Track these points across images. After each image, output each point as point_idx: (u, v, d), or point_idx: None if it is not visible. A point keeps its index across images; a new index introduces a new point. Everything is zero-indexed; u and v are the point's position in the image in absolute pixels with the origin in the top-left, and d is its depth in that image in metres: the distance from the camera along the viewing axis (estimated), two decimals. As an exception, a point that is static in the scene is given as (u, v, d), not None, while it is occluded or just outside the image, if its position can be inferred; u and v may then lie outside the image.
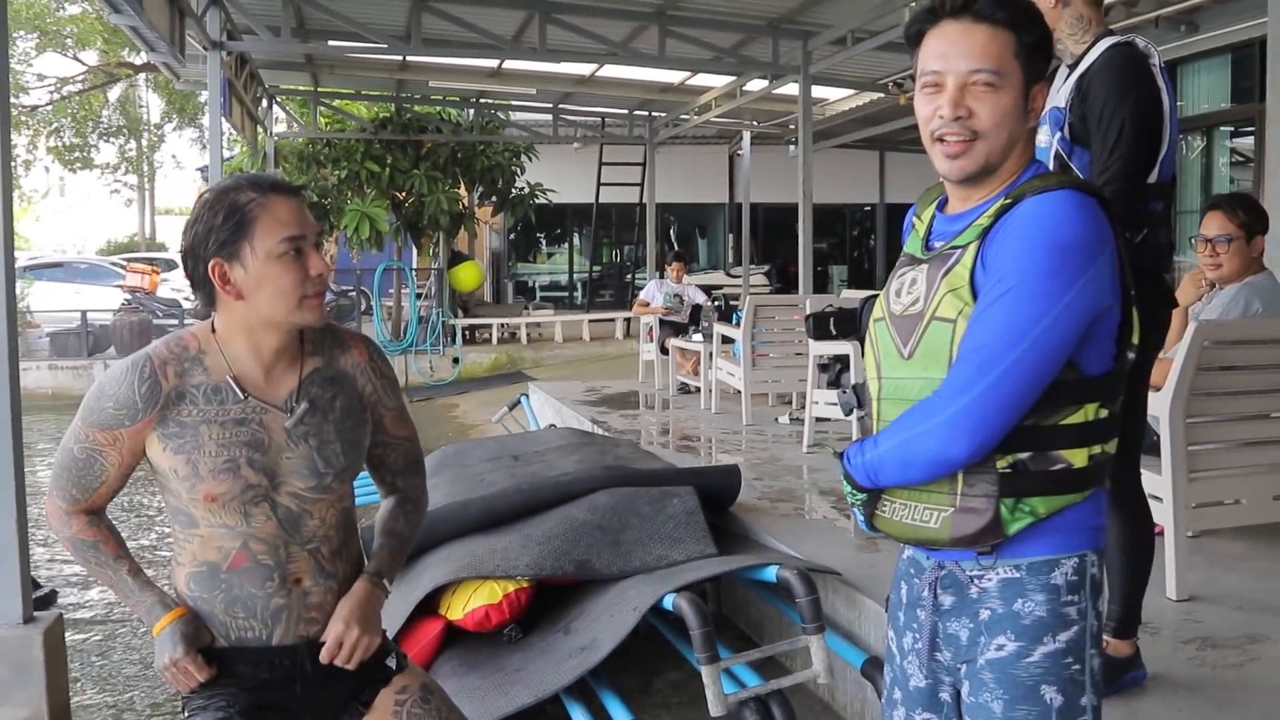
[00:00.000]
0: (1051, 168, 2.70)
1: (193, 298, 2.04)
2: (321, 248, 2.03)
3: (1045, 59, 1.65)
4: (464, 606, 3.90)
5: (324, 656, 2.06)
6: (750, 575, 3.77)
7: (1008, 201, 1.59)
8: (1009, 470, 1.55)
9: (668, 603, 3.48)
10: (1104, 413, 1.58)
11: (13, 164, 4.19)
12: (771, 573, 3.59)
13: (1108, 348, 1.58)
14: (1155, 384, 3.18)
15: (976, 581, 1.62)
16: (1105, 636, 2.89)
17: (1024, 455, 1.55)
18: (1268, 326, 3.67)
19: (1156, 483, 3.46)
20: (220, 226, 1.92)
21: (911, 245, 1.73)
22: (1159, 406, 3.43)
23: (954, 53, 1.60)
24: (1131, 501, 2.93)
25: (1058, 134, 2.73)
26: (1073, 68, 2.78)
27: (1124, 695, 2.85)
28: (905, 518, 1.64)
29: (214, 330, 2.03)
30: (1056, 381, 1.54)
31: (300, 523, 2.05)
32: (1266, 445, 3.73)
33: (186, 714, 2.08)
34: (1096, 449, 1.58)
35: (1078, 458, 1.56)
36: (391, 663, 2.20)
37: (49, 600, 5.49)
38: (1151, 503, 3.23)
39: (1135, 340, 1.63)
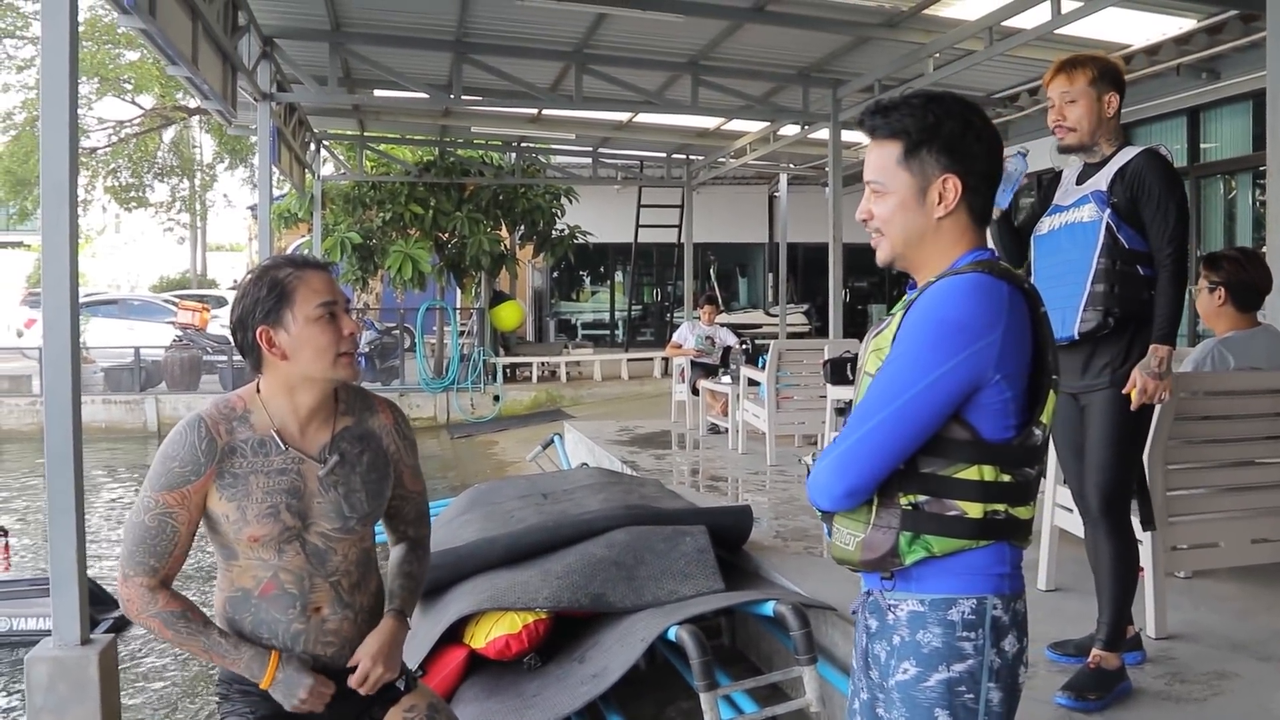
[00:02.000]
0: (1102, 238, 3.26)
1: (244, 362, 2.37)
2: (352, 314, 2.33)
3: (950, 153, 1.81)
4: (486, 636, 4.16)
5: (352, 682, 2.34)
6: (751, 609, 4.01)
7: (932, 281, 1.82)
8: (910, 508, 1.77)
9: (671, 634, 3.72)
10: (1006, 477, 1.76)
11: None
12: (769, 607, 3.83)
13: (1004, 419, 1.75)
14: None
15: (892, 610, 1.83)
16: (1095, 650, 3.30)
17: (922, 498, 1.76)
18: (1242, 379, 3.88)
19: (1137, 525, 3.67)
20: (265, 298, 2.24)
21: (891, 311, 1.98)
22: (1140, 453, 3.66)
23: (865, 166, 1.92)
24: (1122, 536, 3.35)
25: (1107, 210, 3.26)
26: (1100, 163, 3.35)
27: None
28: (837, 540, 1.88)
29: (258, 390, 2.33)
30: (952, 440, 1.75)
31: (325, 558, 2.33)
32: (1244, 491, 3.94)
33: (220, 717, 2.39)
34: (998, 507, 1.76)
35: (972, 509, 1.75)
36: (401, 684, 2.47)
37: (121, 623, 5.92)
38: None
39: (1045, 419, 1.78)
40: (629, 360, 18.91)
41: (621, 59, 10.65)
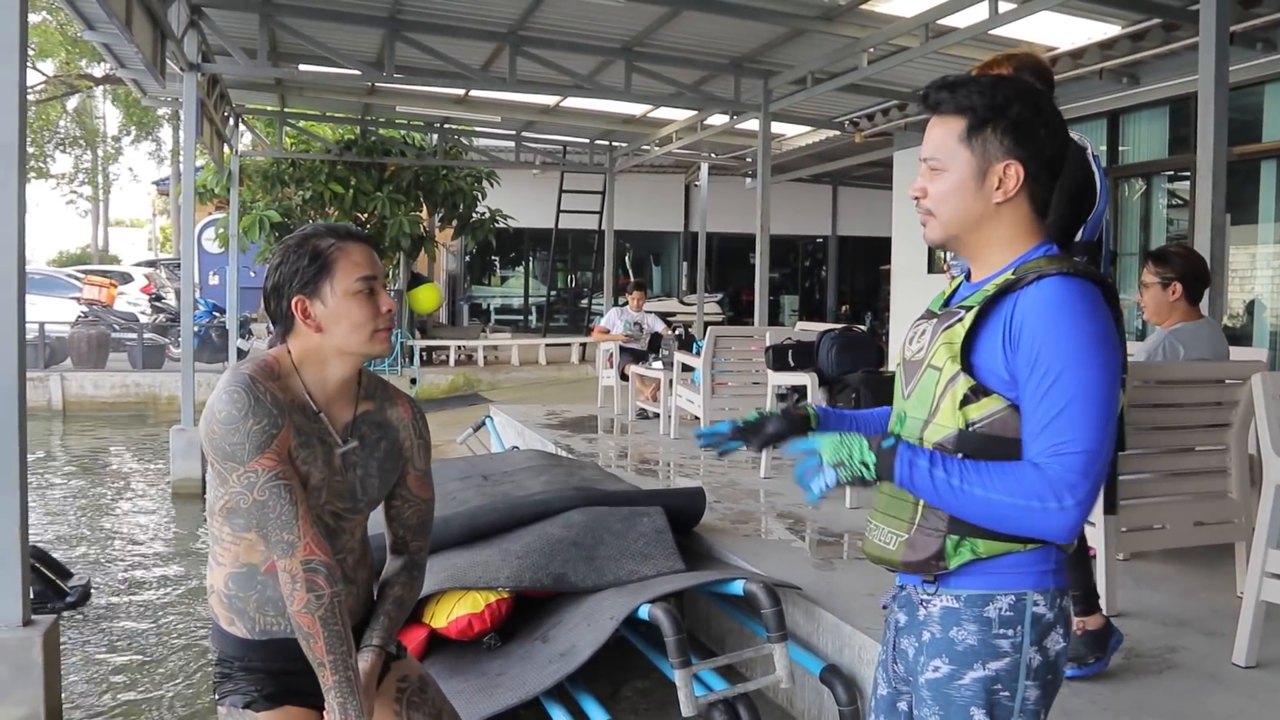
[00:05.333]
0: None
1: (270, 330, 2.29)
2: (388, 288, 2.28)
3: (1014, 136, 1.74)
4: (448, 615, 4.14)
5: None
6: (718, 589, 4.06)
7: (1012, 277, 1.73)
8: None
9: (643, 612, 3.75)
10: None
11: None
12: (739, 586, 3.89)
13: None
14: None
15: (925, 605, 1.79)
16: (1076, 618, 3.33)
17: None
18: (1194, 368, 4.04)
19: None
20: (305, 268, 2.19)
21: (933, 304, 1.93)
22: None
23: (923, 143, 1.84)
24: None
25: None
26: None
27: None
28: (876, 539, 1.84)
29: (290, 354, 2.26)
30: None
31: (335, 537, 2.28)
32: (1188, 476, 4.12)
33: (218, 696, 2.33)
34: None
35: None
36: (393, 648, 2.44)
37: (86, 593, 5.91)
38: (1086, 527, 3.61)
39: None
40: (547, 345, 18.87)
41: (556, 42, 10.62)
